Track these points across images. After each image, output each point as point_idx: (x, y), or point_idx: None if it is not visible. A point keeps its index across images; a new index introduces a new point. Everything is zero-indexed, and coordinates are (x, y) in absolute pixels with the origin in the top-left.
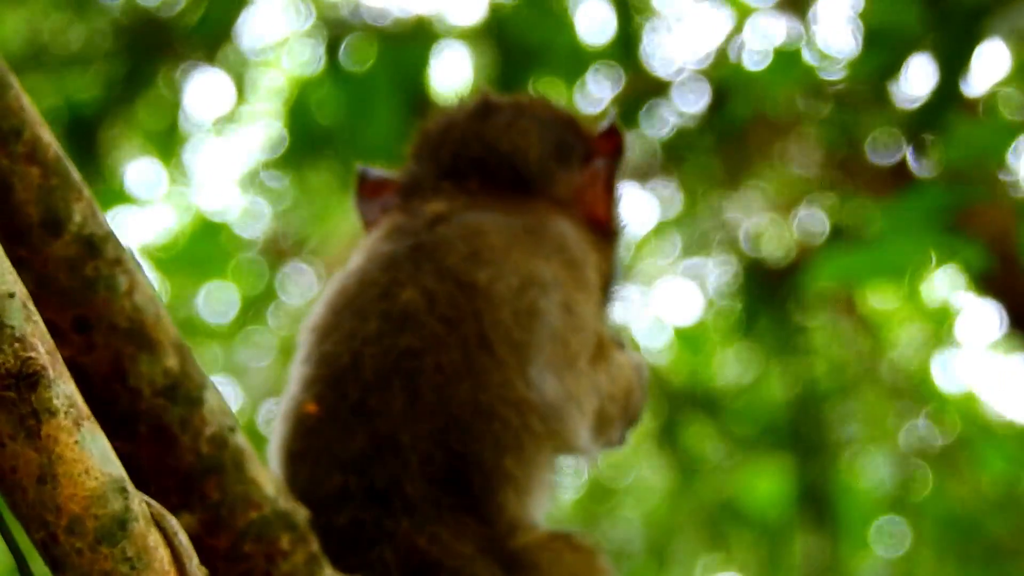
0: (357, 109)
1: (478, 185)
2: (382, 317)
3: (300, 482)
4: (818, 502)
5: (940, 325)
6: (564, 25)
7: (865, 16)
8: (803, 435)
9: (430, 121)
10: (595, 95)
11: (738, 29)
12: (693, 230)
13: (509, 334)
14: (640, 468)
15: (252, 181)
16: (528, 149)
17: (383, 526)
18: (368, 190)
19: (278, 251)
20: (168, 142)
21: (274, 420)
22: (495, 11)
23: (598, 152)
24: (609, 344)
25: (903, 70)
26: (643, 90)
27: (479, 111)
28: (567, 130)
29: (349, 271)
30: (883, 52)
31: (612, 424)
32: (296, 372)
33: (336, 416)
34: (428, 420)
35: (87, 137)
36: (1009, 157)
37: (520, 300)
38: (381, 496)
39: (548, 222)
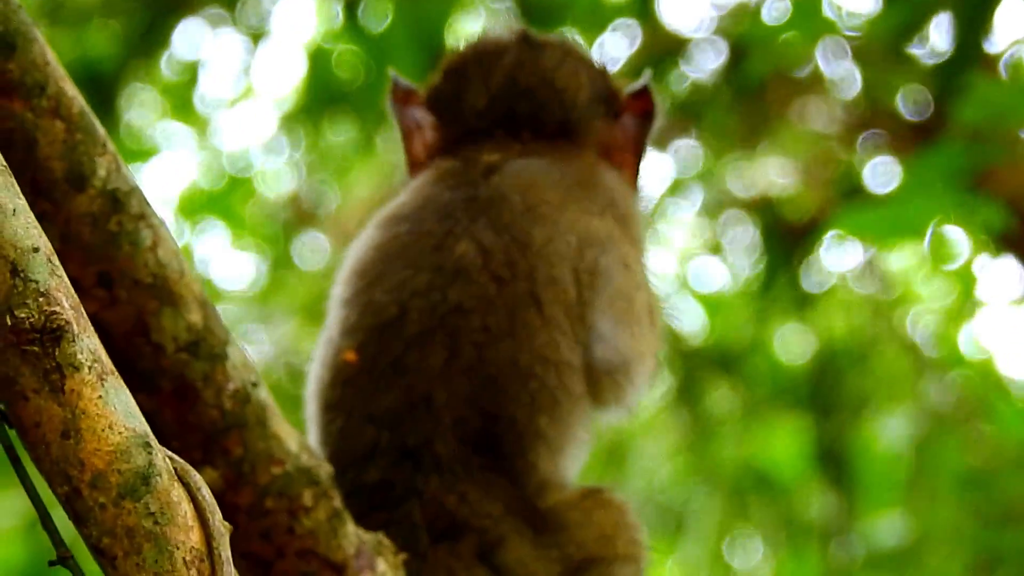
0: (376, 65)
1: (528, 128)
2: (434, 270)
3: (333, 434)
4: (836, 461)
5: (960, 284)
6: None
7: None
8: (821, 394)
9: (471, 46)
10: (613, 53)
11: None
12: (712, 188)
13: (566, 293)
14: (657, 429)
15: (272, 140)
16: (579, 90)
17: (412, 484)
18: (400, 98)
19: (299, 211)
20: (186, 98)
21: (312, 362)
22: None
23: (628, 109)
24: (658, 300)
25: (924, 28)
26: (661, 47)
27: (527, 42)
28: (605, 80)
29: (400, 215)
30: (905, 9)
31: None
32: (337, 314)
33: (374, 368)
34: (465, 380)
35: (106, 93)
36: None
37: (581, 259)
38: (412, 454)
39: (596, 174)
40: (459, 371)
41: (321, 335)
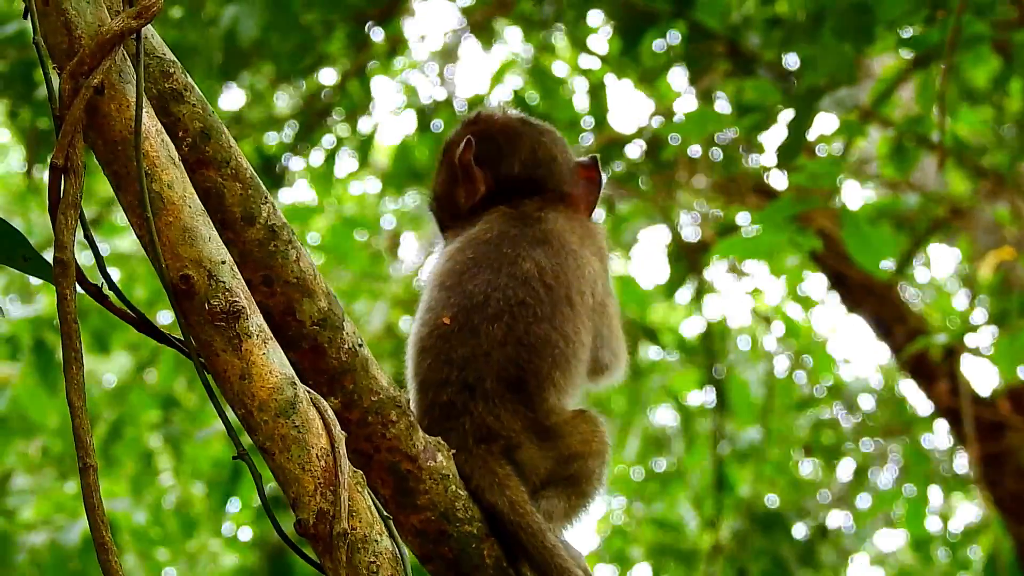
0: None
1: (538, 187)
2: (509, 276)
3: (423, 368)
4: (719, 395)
5: (791, 283)
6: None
7: (741, 95)
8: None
9: (496, 121)
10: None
11: (667, 102)
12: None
13: (585, 301)
14: None
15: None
16: (565, 163)
17: (466, 406)
18: (471, 155)
19: (392, 242)
20: (326, 173)
21: (413, 323)
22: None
23: (584, 176)
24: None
25: (769, 126)
26: (608, 140)
27: (533, 125)
28: (571, 156)
29: (484, 239)
30: (757, 115)
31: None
32: (435, 293)
33: (459, 331)
34: (513, 344)
35: (271, 169)
36: (835, 181)
37: (594, 284)
38: (469, 386)
39: (586, 224)
40: (512, 340)
41: (418, 309)
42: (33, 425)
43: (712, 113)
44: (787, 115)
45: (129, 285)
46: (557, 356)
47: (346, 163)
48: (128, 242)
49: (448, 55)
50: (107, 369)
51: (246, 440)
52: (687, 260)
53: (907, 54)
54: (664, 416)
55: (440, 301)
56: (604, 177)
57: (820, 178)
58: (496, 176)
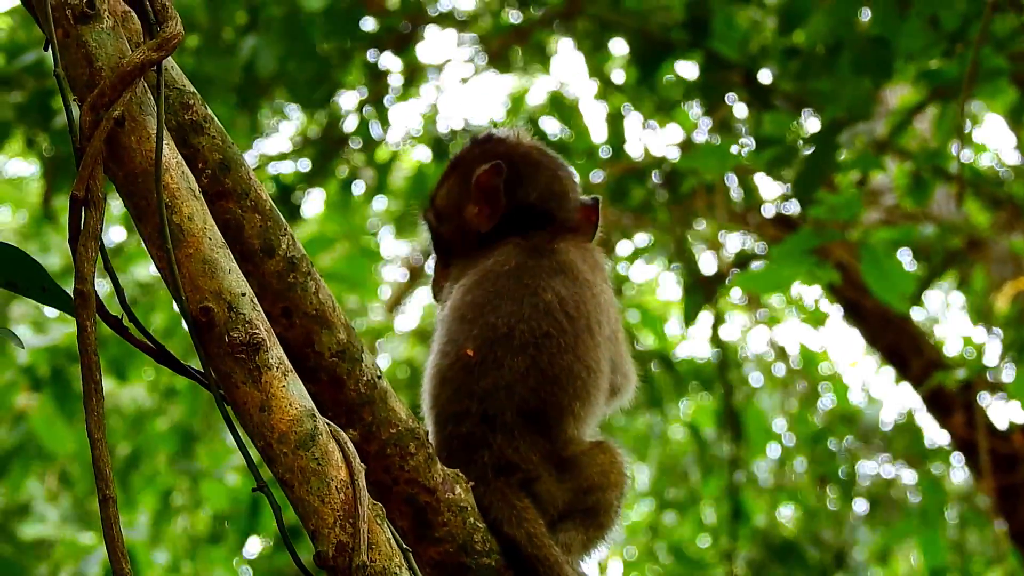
0: None
1: (549, 217)
2: (532, 307)
3: (443, 399)
4: (734, 422)
5: (811, 316)
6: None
7: (762, 128)
8: (724, 381)
9: (520, 148)
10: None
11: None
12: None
13: (603, 329)
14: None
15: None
16: (576, 197)
17: (485, 438)
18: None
19: (409, 266)
20: (343, 204)
21: (433, 354)
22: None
23: (582, 215)
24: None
25: (790, 161)
26: (625, 169)
27: (551, 158)
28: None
29: (502, 271)
30: (776, 149)
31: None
32: (456, 326)
33: (483, 362)
34: (535, 376)
35: (288, 198)
36: (853, 215)
37: (609, 312)
38: (489, 419)
39: (596, 254)
40: (535, 372)
41: (434, 341)
42: (50, 455)
43: (729, 146)
44: (806, 149)
45: (148, 312)
46: (579, 387)
47: (361, 191)
48: (146, 269)
49: (465, 84)
50: (126, 396)
51: (264, 472)
52: (704, 290)
53: (922, 87)
54: (681, 445)
55: (462, 333)
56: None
57: (838, 211)
58: (510, 203)
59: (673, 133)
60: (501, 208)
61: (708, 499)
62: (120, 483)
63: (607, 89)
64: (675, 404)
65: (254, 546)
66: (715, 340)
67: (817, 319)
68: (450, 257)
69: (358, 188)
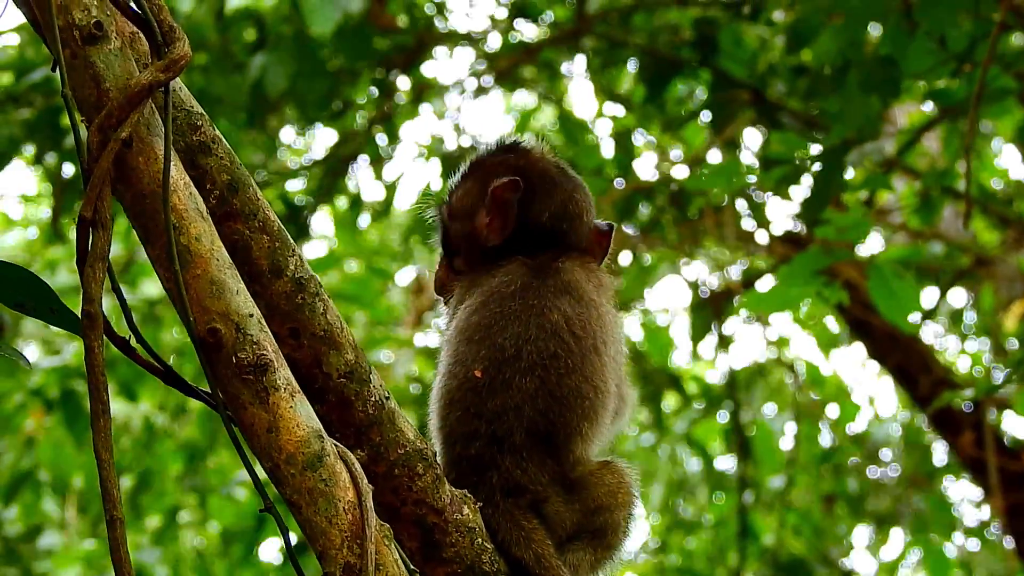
0: None
1: (559, 237)
2: (538, 327)
3: (452, 420)
4: (742, 441)
5: (819, 334)
6: (594, 152)
7: (769, 147)
8: (733, 400)
9: (540, 164)
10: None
11: (692, 150)
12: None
13: (608, 348)
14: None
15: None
16: (590, 221)
17: (494, 459)
18: (511, 190)
19: (419, 287)
20: (350, 222)
21: (440, 376)
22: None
23: (594, 238)
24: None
25: (797, 180)
26: (634, 187)
27: (570, 178)
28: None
29: (508, 292)
30: (785, 168)
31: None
32: (463, 347)
33: (491, 383)
34: (544, 397)
35: (296, 217)
36: (861, 236)
37: (613, 331)
38: (498, 440)
39: (601, 275)
40: (544, 393)
41: (441, 363)
42: (60, 475)
43: (737, 166)
44: (814, 169)
45: (158, 330)
46: (587, 408)
47: (370, 208)
48: (156, 285)
49: (473, 101)
50: (136, 415)
51: (273, 492)
52: (711, 309)
53: (930, 106)
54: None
55: (470, 355)
56: (613, 241)
57: (846, 232)
58: (523, 219)
59: (681, 151)
60: (512, 224)
61: (716, 518)
62: (130, 503)
63: (615, 107)
64: (681, 421)
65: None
66: (723, 359)
67: (825, 338)
68: (455, 257)
69: (365, 219)
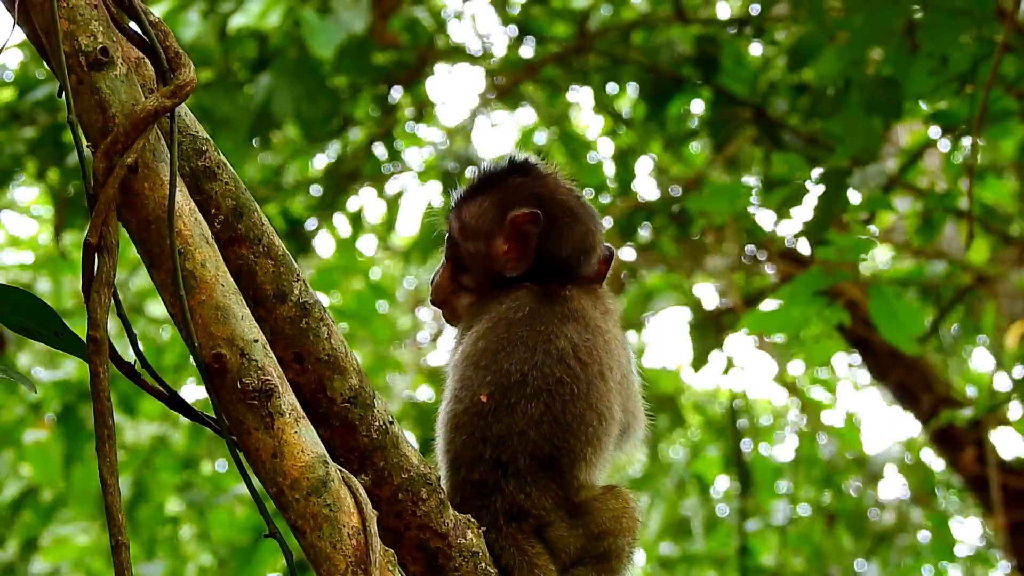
0: None
1: (573, 268)
2: (545, 353)
3: (457, 445)
4: (742, 470)
5: (818, 354)
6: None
7: (771, 169)
8: (734, 428)
9: (563, 197)
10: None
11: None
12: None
13: (615, 374)
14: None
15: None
16: (599, 251)
17: (498, 484)
18: (532, 223)
19: (417, 300)
20: (352, 240)
21: (446, 400)
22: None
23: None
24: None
25: (799, 202)
26: (634, 205)
27: (590, 212)
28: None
29: (516, 318)
30: (785, 190)
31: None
32: (469, 372)
33: (496, 408)
34: (549, 423)
35: (299, 235)
36: (862, 256)
37: (619, 357)
38: (502, 464)
39: (607, 300)
40: (548, 418)
41: (447, 387)
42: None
43: (739, 187)
44: (816, 190)
45: (163, 350)
46: (591, 434)
47: (371, 225)
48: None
49: (474, 119)
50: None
51: (278, 518)
52: (713, 328)
53: (935, 129)
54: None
55: (476, 379)
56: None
57: (847, 253)
58: (541, 251)
59: (682, 169)
60: (532, 257)
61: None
62: (127, 513)
63: (616, 124)
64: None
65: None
66: (725, 382)
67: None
68: (463, 273)
69: (369, 226)
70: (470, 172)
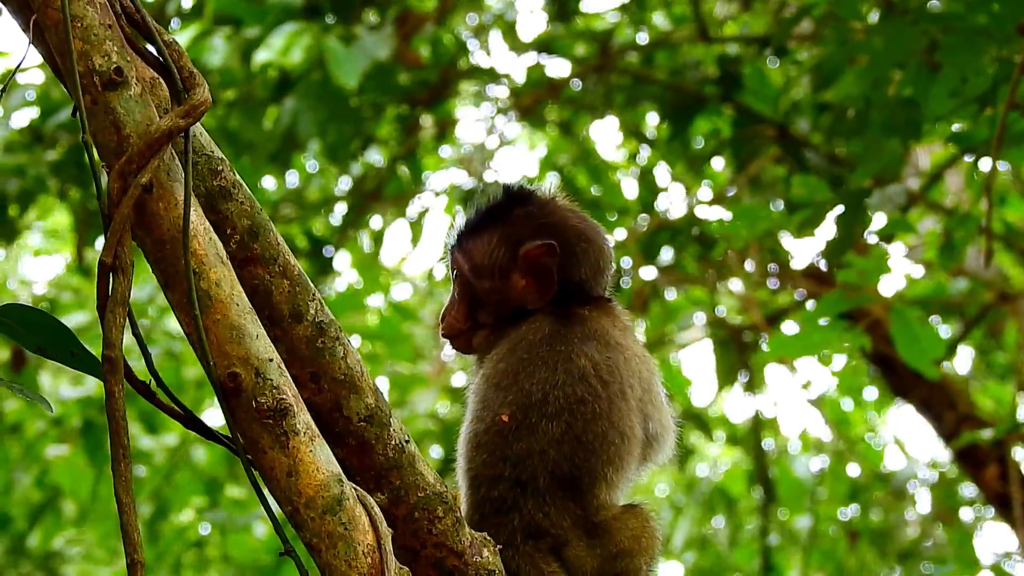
0: None
1: (589, 289)
2: (566, 372)
3: (478, 463)
4: (766, 484)
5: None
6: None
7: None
8: (757, 442)
9: (583, 229)
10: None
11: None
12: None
13: (635, 391)
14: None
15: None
16: (612, 269)
17: (517, 502)
18: (548, 255)
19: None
20: (372, 261)
21: (467, 420)
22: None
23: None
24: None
25: (819, 223)
26: (657, 225)
27: (606, 239)
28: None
29: (537, 339)
30: (807, 212)
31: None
32: (491, 393)
33: (517, 428)
34: (570, 442)
35: (319, 255)
36: (883, 278)
37: (640, 373)
38: (522, 483)
39: (623, 317)
40: (570, 437)
41: (468, 407)
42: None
43: (761, 210)
44: (837, 212)
45: (180, 366)
46: (612, 453)
47: (394, 247)
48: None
49: (496, 139)
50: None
51: (293, 536)
52: (736, 346)
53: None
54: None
55: (497, 400)
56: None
57: (869, 275)
58: (560, 280)
59: (705, 190)
60: (554, 288)
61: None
62: (148, 533)
63: (639, 144)
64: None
65: None
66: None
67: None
68: (478, 309)
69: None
70: (469, 206)
